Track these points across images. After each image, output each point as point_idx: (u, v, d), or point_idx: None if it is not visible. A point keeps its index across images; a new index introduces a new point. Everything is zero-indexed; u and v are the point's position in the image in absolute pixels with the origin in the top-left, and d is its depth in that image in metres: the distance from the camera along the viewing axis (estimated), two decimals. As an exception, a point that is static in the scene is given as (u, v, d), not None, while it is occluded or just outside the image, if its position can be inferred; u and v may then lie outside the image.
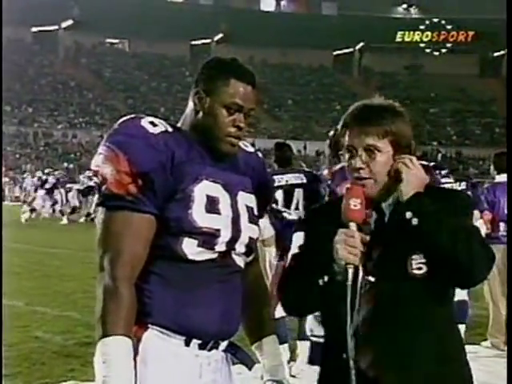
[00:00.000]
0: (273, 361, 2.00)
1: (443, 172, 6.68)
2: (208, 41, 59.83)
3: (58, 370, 5.09)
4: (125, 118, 1.85)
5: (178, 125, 1.92)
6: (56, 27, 57.94)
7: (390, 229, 1.85)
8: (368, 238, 1.80)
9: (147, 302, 1.79)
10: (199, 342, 1.83)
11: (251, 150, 2.07)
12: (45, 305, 7.50)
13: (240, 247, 1.89)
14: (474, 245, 1.77)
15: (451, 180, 6.57)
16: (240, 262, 1.91)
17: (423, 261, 1.81)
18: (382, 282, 1.82)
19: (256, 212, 1.96)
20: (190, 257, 1.79)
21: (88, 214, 20.41)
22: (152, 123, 1.82)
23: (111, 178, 1.75)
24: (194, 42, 59.46)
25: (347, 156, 1.88)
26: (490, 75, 57.68)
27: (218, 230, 1.82)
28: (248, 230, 1.90)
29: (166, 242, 1.79)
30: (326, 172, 5.26)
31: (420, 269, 1.81)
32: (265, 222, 4.57)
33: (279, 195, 5.28)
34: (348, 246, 1.76)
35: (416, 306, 1.83)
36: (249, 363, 1.95)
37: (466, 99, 56.44)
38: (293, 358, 5.17)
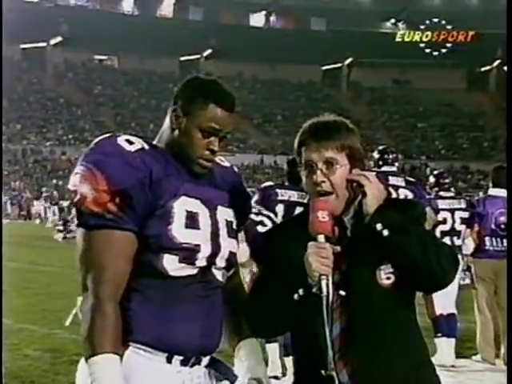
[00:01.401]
0: (252, 361, 2.00)
1: (446, 180, 6.60)
2: (197, 56, 60.01)
3: (47, 388, 5.07)
4: (101, 137, 1.86)
5: (155, 141, 1.93)
6: (45, 44, 57.97)
7: (355, 242, 1.88)
8: (339, 248, 1.83)
9: (127, 320, 1.78)
10: (181, 358, 1.82)
11: (227, 164, 2.09)
12: (34, 323, 7.46)
13: (220, 262, 1.90)
14: (441, 250, 1.83)
15: (451, 194, 6.51)
16: (221, 276, 1.92)
17: (391, 270, 1.85)
18: (353, 296, 1.85)
19: (235, 226, 1.97)
20: (171, 273, 1.80)
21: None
22: (128, 141, 1.83)
23: (90, 197, 1.76)
24: (182, 58, 59.62)
25: (306, 172, 1.92)
26: (478, 89, 58.08)
27: (198, 246, 1.83)
28: (228, 245, 1.91)
29: (146, 258, 1.79)
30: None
31: (389, 278, 1.86)
32: (242, 245, 4.60)
33: (279, 209, 5.21)
34: (320, 257, 1.79)
35: (388, 315, 1.86)
36: (231, 378, 1.95)
37: (454, 113, 56.76)
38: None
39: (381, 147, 5.93)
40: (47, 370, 5.59)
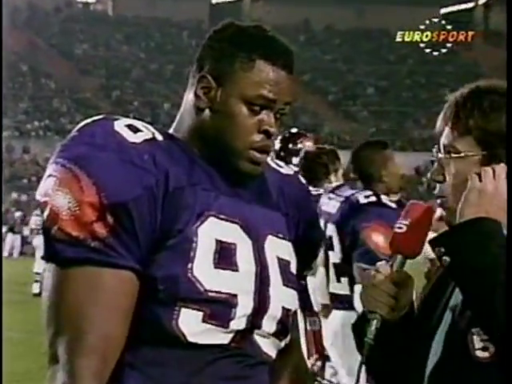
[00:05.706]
0: None
1: None
2: (238, -4, 60.46)
3: None
4: (88, 121, 1.88)
5: (171, 130, 1.96)
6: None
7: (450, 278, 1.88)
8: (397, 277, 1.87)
9: None
10: None
11: (288, 172, 2.11)
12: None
13: (268, 324, 1.90)
14: None
15: None
16: (268, 348, 1.92)
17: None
18: (432, 370, 1.85)
19: (293, 268, 1.98)
20: (191, 338, 1.80)
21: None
22: (131, 127, 1.85)
23: (67, 214, 1.76)
24: (215, 0, 60.13)
25: None
26: None
27: (235, 296, 1.83)
28: (281, 297, 1.91)
29: (151, 314, 1.80)
30: None
31: (485, 349, 1.80)
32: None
33: None
34: (373, 286, 1.85)
35: None
36: None
37: None
38: None
39: (293, 130, 6.55)
40: None
